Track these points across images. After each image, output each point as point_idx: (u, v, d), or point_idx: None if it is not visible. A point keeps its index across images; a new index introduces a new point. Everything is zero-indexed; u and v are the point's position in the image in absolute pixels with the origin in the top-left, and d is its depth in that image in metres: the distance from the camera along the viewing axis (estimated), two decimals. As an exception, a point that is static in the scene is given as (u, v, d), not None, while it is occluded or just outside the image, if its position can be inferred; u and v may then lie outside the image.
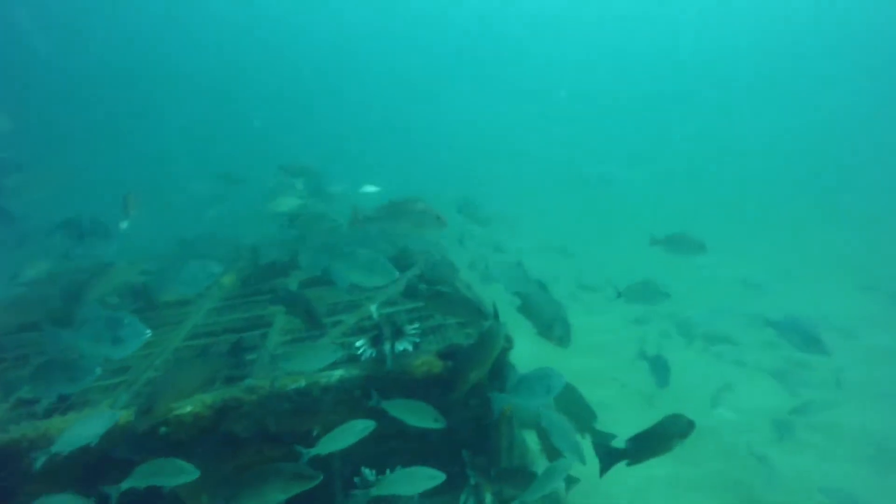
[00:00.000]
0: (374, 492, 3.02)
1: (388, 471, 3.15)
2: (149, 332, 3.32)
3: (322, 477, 2.82)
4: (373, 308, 4.05)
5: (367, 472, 3.27)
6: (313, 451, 2.94)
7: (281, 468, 2.81)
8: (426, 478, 2.97)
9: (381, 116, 35.32)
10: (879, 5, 33.67)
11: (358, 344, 3.54)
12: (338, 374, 3.30)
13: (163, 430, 3.07)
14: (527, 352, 4.50)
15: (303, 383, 3.23)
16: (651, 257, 6.47)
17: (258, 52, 33.73)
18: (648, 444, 3.04)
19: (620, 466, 3.10)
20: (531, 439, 5.11)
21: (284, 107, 33.25)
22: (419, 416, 3.11)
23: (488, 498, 3.54)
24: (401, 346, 3.42)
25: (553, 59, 39.66)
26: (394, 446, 3.44)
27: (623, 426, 3.57)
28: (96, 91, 29.03)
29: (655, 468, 4.50)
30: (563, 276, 11.12)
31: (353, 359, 3.47)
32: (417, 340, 3.51)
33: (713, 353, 8.17)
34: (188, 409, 3.07)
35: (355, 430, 2.98)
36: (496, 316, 3.45)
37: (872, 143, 28.52)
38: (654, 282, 5.14)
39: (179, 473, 2.77)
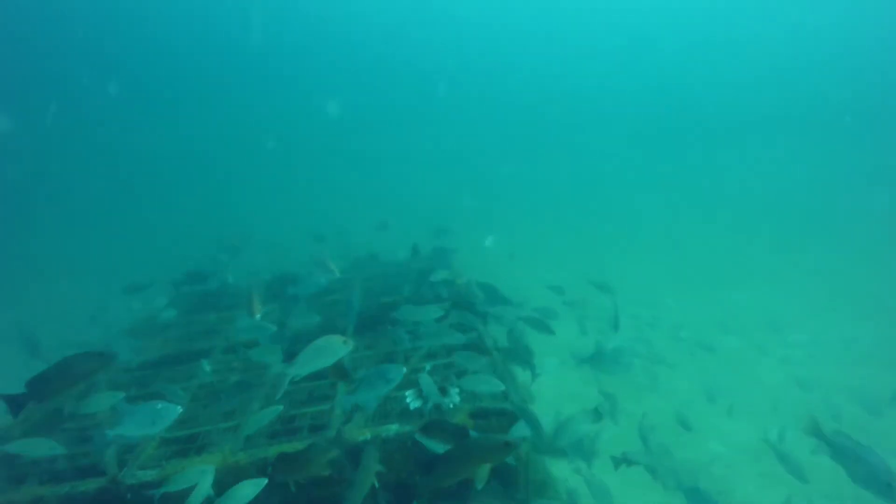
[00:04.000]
0: None
1: None
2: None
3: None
4: (426, 367, 5.12)
5: None
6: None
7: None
8: None
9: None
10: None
11: (407, 394, 4.65)
12: (394, 428, 4.37)
13: (269, 470, 4.24)
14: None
15: (368, 435, 4.31)
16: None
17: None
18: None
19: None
20: (556, 468, 6.05)
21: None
22: None
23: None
24: (445, 400, 4.43)
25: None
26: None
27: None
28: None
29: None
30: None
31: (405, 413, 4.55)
32: (458, 401, 4.52)
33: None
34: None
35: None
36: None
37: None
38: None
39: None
